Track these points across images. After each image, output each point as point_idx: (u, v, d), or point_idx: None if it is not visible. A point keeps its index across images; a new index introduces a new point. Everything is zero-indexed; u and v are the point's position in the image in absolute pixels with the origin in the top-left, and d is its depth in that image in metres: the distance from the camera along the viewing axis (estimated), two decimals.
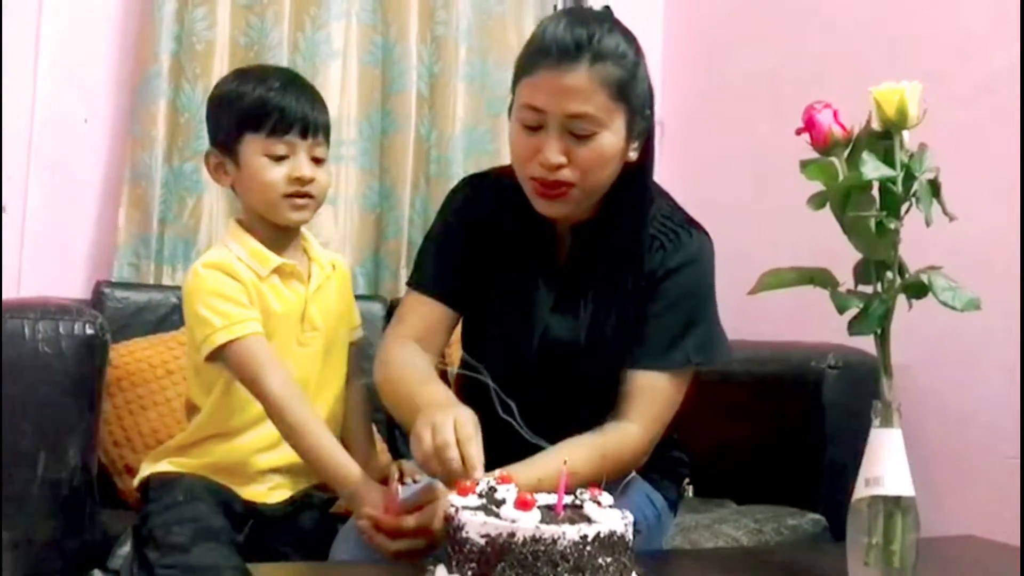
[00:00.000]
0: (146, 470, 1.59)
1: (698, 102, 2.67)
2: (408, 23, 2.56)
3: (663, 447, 1.42)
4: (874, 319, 1.14)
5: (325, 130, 1.57)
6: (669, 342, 1.36)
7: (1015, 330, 1.88)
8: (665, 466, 1.49)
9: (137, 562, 1.48)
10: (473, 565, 0.96)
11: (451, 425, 1.14)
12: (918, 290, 1.14)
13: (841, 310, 1.16)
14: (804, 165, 1.16)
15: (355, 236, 2.51)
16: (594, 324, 1.38)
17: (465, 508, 1.00)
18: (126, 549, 1.55)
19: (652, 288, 1.37)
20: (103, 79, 2.35)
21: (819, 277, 1.18)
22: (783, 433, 2.06)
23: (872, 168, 1.11)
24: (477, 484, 1.07)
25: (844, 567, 1.13)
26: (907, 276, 1.15)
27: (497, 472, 1.14)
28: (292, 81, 1.58)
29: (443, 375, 1.43)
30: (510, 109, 1.35)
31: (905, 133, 1.13)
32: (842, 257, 1.17)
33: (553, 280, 1.42)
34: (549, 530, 0.95)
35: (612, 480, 1.21)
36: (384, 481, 1.49)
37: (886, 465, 1.11)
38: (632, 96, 1.30)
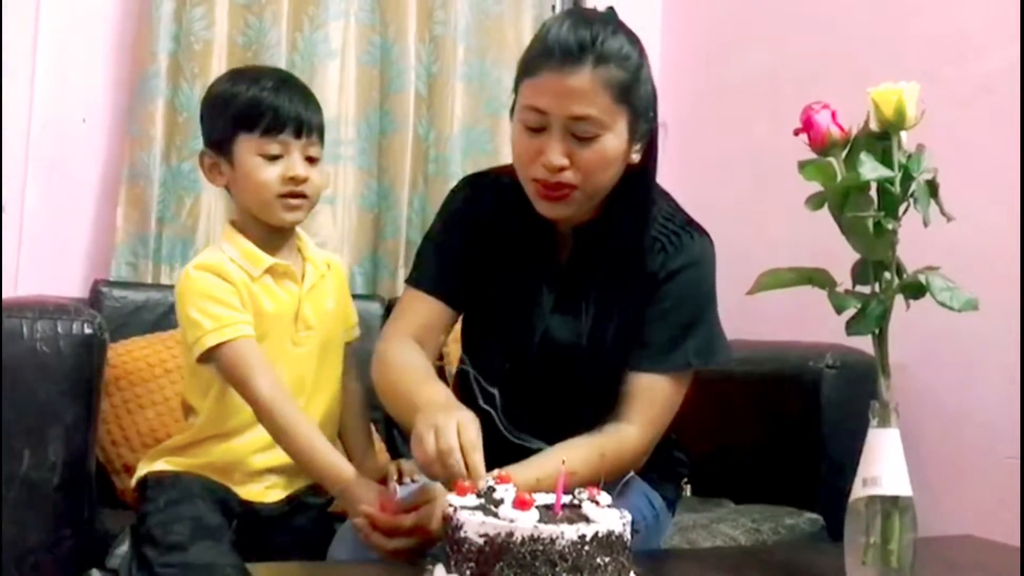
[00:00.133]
0: (143, 469, 1.59)
1: (696, 103, 2.67)
2: (406, 23, 2.56)
3: (662, 448, 1.42)
4: (872, 319, 1.14)
5: (319, 130, 1.56)
6: (669, 344, 1.36)
7: (1013, 330, 1.89)
8: (664, 467, 1.49)
9: (136, 561, 1.48)
10: (471, 564, 0.96)
11: (454, 429, 1.13)
12: (916, 290, 1.14)
13: (839, 310, 1.16)
14: (802, 166, 1.16)
15: (353, 236, 2.52)
16: (595, 326, 1.38)
17: (463, 508, 1.00)
18: (124, 548, 1.55)
19: (653, 290, 1.37)
20: (101, 79, 2.35)
21: (817, 277, 1.18)
22: (781, 433, 2.07)
23: (870, 169, 1.11)
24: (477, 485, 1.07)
25: (842, 566, 1.13)
26: (905, 276, 1.15)
27: (496, 472, 1.14)
28: (286, 81, 1.59)
29: (440, 372, 1.43)
30: (512, 110, 1.35)
31: (903, 134, 1.13)
32: (840, 257, 1.17)
33: (554, 281, 1.42)
34: (547, 530, 0.95)
35: (611, 480, 1.21)
36: (383, 481, 1.50)
37: (884, 465, 1.11)
38: (635, 98, 1.30)
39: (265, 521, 1.54)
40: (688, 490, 1.99)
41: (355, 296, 1.75)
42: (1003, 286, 1.88)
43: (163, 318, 2.08)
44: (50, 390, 1.54)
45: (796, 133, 1.17)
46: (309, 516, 1.57)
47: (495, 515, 0.97)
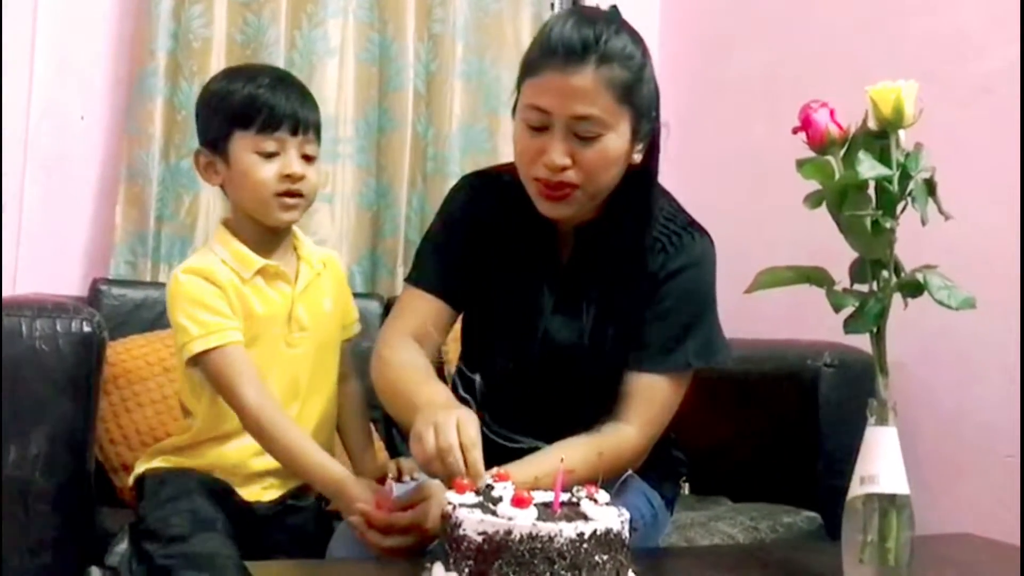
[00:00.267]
0: (141, 467, 1.59)
1: (694, 102, 2.66)
2: (405, 21, 2.56)
3: (661, 447, 1.42)
4: (870, 318, 1.14)
5: (315, 127, 1.55)
6: (669, 345, 1.36)
7: (1011, 329, 1.89)
8: (663, 466, 1.49)
9: (135, 556, 1.49)
10: (470, 563, 0.97)
11: (454, 427, 1.13)
12: (914, 289, 1.14)
13: (837, 309, 1.16)
14: (800, 164, 1.16)
15: (352, 234, 2.51)
16: (596, 326, 1.38)
17: (462, 505, 1.00)
18: (123, 546, 1.55)
19: (654, 290, 1.37)
20: (100, 76, 2.35)
21: (815, 276, 1.18)
22: (779, 431, 2.07)
23: (868, 167, 1.11)
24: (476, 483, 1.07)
25: (839, 565, 1.14)
26: (903, 275, 1.15)
27: (494, 470, 1.14)
28: (282, 79, 1.57)
29: (439, 372, 1.43)
30: (514, 109, 1.35)
31: (901, 132, 1.14)
32: (838, 256, 1.17)
33: (555, 281, 1.42)
34: (546, 528, 0.95)
35: (609, 479, 1.22)
36: (382, 479, 1.50)
37: (881, 463, 1.11)
38: (638, 98, 1.30)
39: (263, 520, 1.54)
40: (686, 488, 1.99)
41: (354, 295, 1.74)
42: (1001, 285, 1.88)
43: (162, 316, 2.05)
44: (49, 388, 1.54)
45: (794, 132, 1.17)
46: (307, 514, 1.57)
47: (494, 513, 0.97)
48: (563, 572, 0.95)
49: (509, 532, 0.95)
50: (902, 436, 1.12)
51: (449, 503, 1.02)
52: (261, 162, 1.50)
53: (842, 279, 1.18)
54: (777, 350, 2.12)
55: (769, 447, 2.08)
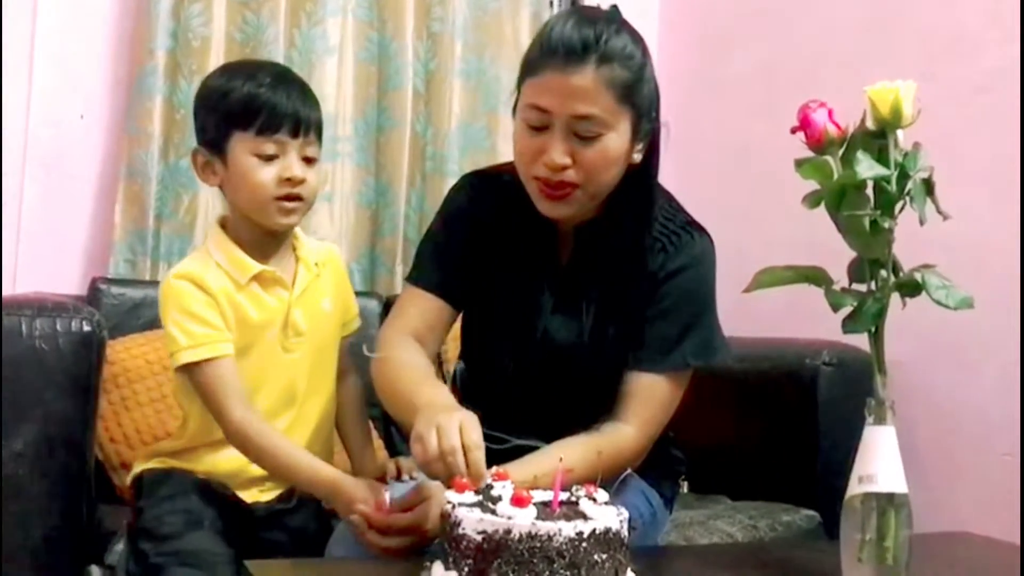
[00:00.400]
0: (138, 467, 1.58)
1: (693, 101, 2.67)
2: (404, 19, 2.56)
3: (660, 446, 1.43)
4: (868, 317, 1.14)
5: (317, 128, 1.51)
6: (668, 345, 1.37)
7: (1009, 328, 1.89)
8: (662, 465, 1.49)
9: (132, 556, 1.48)
10: (469, 562, 0.97)
11: (457, 429, 1.12)
12: (912, 288, 1.14)
13: (835, 308, 1.16)
14: (799, 164, 1.16)
15: (351, 233, 2.52)
16: (596, 325, 1.38)
17: (462, 505, 1.01)
18: (122, 545, 1.55)
19: (653, 290, 1.37)
20: (99, 75, 2.35)
21: (814, 275, 1.18)
22: (777, 429, 2.07)
23: (866, 167, 1.11)
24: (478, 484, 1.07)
25: (838, 563, 1.14)
26: (901, 274, 1.15)
27: (493, 469, 1.14)
28: (283, 77, 1.52)
29: (438, 371, 1.43)
30: (514, 108, 1.35)
31: (899, 132, 1.14)
32: (837, 255, 1.17)
33: (555, 280, 1.42)
34: (545, 527, 0.95)
35: (608, 478, 1.22)
36: (382, 478, 1.50)
37: (880, 462, 1.11)
38: (638, 98, 1.30)
39: (262, 520, 1.53)
40: (685, 487, 1.99)
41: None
42: (999, 284, 1.88)
43: None
44: (49, 388, 1.54)
45: (793, 131, 1.17)
46: (307, 514, 1.55)
47: (493, 512, 0.98)
48: (562, 571, 0.95)
49: (508, 531, 0.95)
50: (900, 435, 1.13)
51: (448, 502, 1.02)
52: (260, 165, 1.46)
53: (840, 278, 1.18)
54: (776, 349, 2.13)
55: (768, 446, 2.08)
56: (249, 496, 1.53)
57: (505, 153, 2.52)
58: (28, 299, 1.64)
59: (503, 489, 1.04)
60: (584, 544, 0.96)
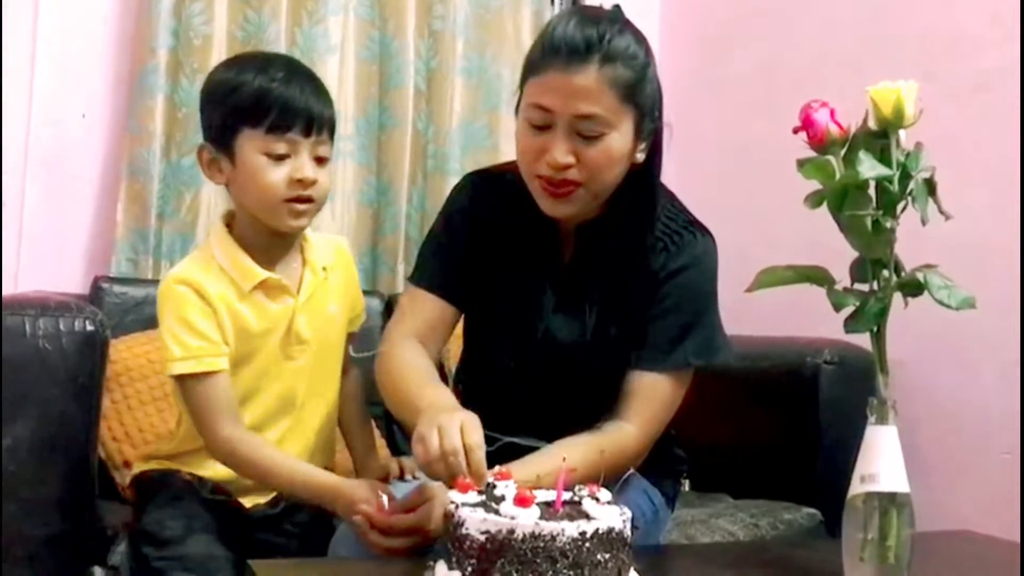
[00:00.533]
0: (138, 468, 1.58)
1: (694, 100, 2.66)
2: (406, 18, 2.56)
3: (662, 445, 1.43)
4: (870, 317, 1.14)
5: (330, 126, 1.44)
6: (669, 343, 1.37)
7: (1010, 328, 1.89)
8: (663, 464, 1.49)
9: (134, 560, 1.48)
10: (473, 561, 0.97)
11: (458, 429, 1.13)
12: (914, 288, 1.15)
13: (837, 308, 1.16)
14: (801, 164, 1.16)
15: (352, 231, 2.52)
16: (598, 325, 1.39)
17: (465, 505, 1.01)
18: (125, 546, 1.55)
19: (655, 289, 1.37)
20: (100, 74, 2.35)
21: (816, 275, 1.18)
22: (779, 428, 2.07)
23: (868, 167, 1.11)
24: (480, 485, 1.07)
25: (839, 562, 1.14)
26: (903, 274, 1.16)
27: (496, 468, 1.14)
28: (295, 71, 1.45)
29: (440, 370, 1.43)
30: (517, 107, 1.35)
31: (901, 132, 1.14)
32: (839, 255, 1.18)
33: (557, 280, 1.42)
34: (548, 526, 0.95)
35: (609, 477, 1.22)
36: (385, 478, 1.50)
37: (881, 462, 1.12)
38: (641, 98, 1.30)
39: (263, 521, 1.52)
40: (687, 485, 1.99)
41: None
42: (1000, 284, 1.88)
43: None
44: (52, 387, 1.54)
45: (795, 131, 1.17)
46: (308, 515, 1.53)
47: (496, 512, 0.98)
48: (565, 571, 0.95)
49: (512, 531, 0.95)
50: (902, 434, 1.13)
51: (452, 502, 1.02)
52: (270, 164, 1.40)
53: (842, 278, 1.18)
54: (777, 347, 2.13)
55: (769, 444, 2.08)
56: (249, 500, 1.52)
57: (507, 152, 2.52)
58: (31, 299, 1.63)
59: (506, 489, 1.04)
60: (587, 544, 0.96)
